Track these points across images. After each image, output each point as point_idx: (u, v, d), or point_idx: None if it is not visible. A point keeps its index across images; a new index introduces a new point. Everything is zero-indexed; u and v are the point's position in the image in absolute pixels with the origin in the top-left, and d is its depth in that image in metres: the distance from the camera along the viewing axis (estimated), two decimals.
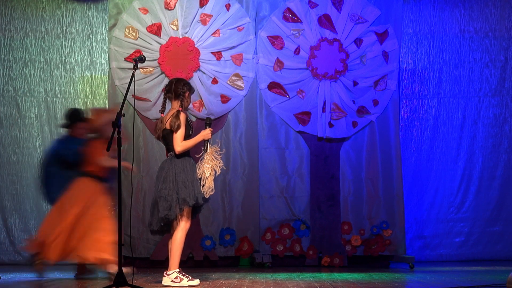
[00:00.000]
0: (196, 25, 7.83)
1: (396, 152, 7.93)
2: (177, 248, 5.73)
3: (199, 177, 5.77)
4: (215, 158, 5.83)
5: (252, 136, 7.91)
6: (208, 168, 5.79)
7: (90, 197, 6.42)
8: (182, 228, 5.74)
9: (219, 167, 5.83)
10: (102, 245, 6.17)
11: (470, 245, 8.29)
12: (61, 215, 6.39)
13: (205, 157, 5.81)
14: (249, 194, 7.84)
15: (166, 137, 5.81)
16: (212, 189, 5.79)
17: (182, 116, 5.76)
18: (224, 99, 7.85)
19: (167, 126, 5.76)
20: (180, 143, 5.73)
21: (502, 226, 8.38)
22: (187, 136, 5.79)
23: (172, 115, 5.77)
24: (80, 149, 6.56)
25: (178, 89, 5.86)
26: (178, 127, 5.71)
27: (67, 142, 6.75)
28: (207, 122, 5.92)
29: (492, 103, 8.50)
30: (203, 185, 5.76)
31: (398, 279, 6.34)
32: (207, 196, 5.76)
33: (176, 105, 5.85)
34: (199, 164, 5.81)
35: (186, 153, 5.82)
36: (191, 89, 5.96)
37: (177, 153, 5.76)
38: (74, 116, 6.93)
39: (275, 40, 7.93)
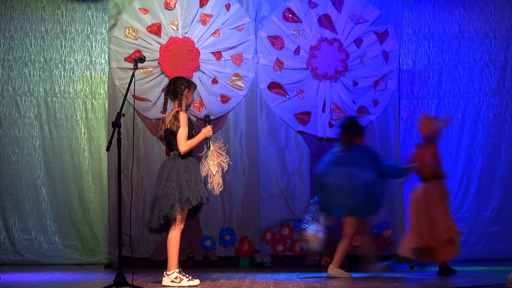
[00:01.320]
0: (196, 25, 7.83)
1: (396, 152, 7.92)
2: (174, 248, 5.72)
3: (205, 175, 5.77)
4: (220, 155, 5.83)
5: (252, 136, 7.90)
6: (214, 165, 5.79)
7: (435, 198, 6.59)
8: (178, 228, 5.73)
9: (226, 162, 5.83)
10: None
11: (470, 245, 8.28)
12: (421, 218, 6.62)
13: (208, 155, 5.81)
14: (249, 194, 7.84)
15: (168, 137, 5.81)
16: (221, 186, 5.80)
17: (183, 116, 5.75)
18: (224, 99, 7.85)
19: (169, 126, 5.77)
20: (184, 143, 5.72)
21: (502, 226, 8.37)
22: (190, 136, 5.78)
23: (173, 115, 5.77)
24: (400, 167, 6.79)
25: (176, 88, 5.86)
26: (178, 128, 5.71)
27: (378, 161, 6.68)
28: (206, 120, 5.92)
29: (492, 103, 8.49)
30: (211, 182, 5.75)
31: (398, 279, 6.33)
32: (217, 192, 5.76)
33: (176, 104, 5.86)
34: (203, 162, 5.81)
35: (189, 153, 5.81)
36: (190, 86, 5.94)
37: (182, 153, 5.75)
38: (357, 125, 6.81)
39: (275, 40, 7.93)
